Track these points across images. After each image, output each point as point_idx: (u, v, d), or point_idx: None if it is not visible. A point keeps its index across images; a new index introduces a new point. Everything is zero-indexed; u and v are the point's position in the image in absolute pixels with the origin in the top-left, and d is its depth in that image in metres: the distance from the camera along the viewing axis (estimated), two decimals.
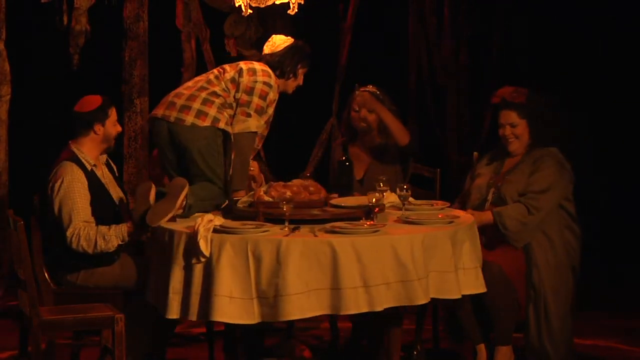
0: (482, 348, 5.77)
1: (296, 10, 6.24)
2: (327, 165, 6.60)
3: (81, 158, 5.62)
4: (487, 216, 5.74)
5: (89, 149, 5.65)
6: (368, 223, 5.13)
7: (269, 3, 6.29)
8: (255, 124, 5.62)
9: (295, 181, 5.52)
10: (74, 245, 5.46)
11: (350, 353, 6.20)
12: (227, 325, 5.56)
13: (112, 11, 7.55)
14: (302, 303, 4.85)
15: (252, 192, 5.47)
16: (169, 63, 8.01)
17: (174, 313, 5.07)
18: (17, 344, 5.57)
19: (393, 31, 9.21)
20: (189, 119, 5.54)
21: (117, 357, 5.12)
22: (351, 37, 8.74)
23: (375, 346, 5.82)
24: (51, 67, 8.56)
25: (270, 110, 5.72)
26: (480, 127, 8.90)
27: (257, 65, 5.75)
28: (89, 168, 5.63)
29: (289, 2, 6.24)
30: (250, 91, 5.65)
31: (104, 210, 5.62)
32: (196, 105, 5.56)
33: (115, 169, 5.89)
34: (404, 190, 5.46)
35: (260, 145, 5.86)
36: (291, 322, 6.34)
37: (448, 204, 5.72)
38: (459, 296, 5.13)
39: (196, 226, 5.01)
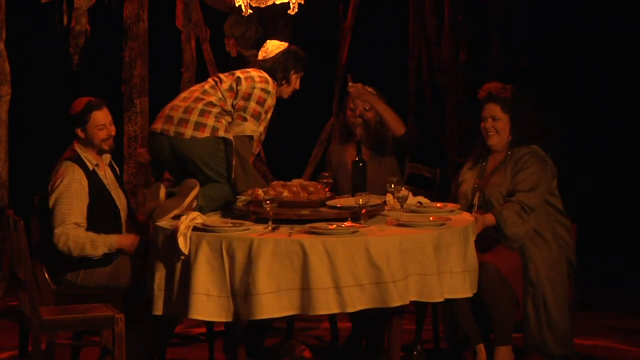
0: (481, 348, 5.77)
1: (296, 10, 6.24)
2: (326, 166, 6.52)
3: (83, 158, 5.64)
4: (489, 218, 5.74)
5: (88, 149, 5.67)
6: (348, 224, 5.09)
7: (269, 3, 6.29)
8: (251, 128, 5.60)
9: (295, 181, 5.52)
10: (59, 245, 5.48)
11: (350, 353, 6.19)
12: (227, 325, 5.56)
13: (112, 11, 7.54)
14: (273, 302, 4.86)
15: (252, 192, 5.47)
16: (169, 63, 8.01)
17: (158, 309, 5.12)
18: (17, 344, 5.56)
19: (393, 31, 9.22)
20: (188, 132, 5.52)
21: (117, 357, 5.12)
22: (351, 37, 8.74)
23: (375, 346, 5.83)
24: (51, 67, 8.56)
25: (268, 116, 5.71)
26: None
27: (254, 72, 5.72)
28: (91, 168, 5.64)
29: (289, 2, 6.24)
30: (247, 97, 5.62)
31: (104, 210, 5.63)
32: (193, 117, 5.54)
33: (117, 170, 5.89)
34: (402, 191, 5.43)
35: (258, 149, 5.84)
36: (291, 322, 6.35)
37: (459, 206, 5.70)
38: (442, 299, 5.10)
39: (178, 223, 5.04)
